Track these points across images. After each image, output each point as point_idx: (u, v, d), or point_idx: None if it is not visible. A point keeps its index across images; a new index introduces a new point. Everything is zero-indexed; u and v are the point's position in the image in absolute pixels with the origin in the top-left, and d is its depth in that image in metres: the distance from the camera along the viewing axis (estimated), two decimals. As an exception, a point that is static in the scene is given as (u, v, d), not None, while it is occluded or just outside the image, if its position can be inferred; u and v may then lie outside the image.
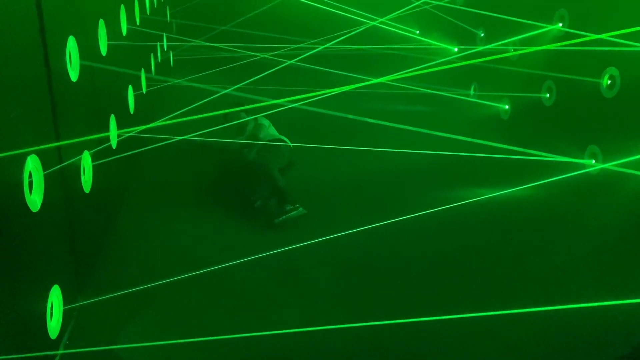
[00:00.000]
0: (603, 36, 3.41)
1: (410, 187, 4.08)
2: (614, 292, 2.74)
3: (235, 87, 3.55)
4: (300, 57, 4.03)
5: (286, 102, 3.14)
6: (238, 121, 4.38)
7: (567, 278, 3.02)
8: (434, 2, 5.16)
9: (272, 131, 4.33)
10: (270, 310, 2.74)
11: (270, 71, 3.84)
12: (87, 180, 2.86)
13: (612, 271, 3.07)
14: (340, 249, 3.11)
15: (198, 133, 3.58)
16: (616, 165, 3.33)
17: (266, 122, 4.35)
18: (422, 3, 5.64)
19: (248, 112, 4.43)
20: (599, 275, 3.05)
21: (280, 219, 3.53)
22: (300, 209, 3.57)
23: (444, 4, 5.20)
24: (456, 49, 5.88)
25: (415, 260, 3.20)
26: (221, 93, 3.63)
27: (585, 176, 3.59)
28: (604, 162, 3.80)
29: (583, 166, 3.91)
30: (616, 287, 2.88)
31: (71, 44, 2.66)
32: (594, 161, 3.93)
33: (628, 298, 2.35)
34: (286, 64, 4.04)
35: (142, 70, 4.61)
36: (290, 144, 4.21)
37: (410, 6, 5.28)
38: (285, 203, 3.61)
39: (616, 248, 3.28)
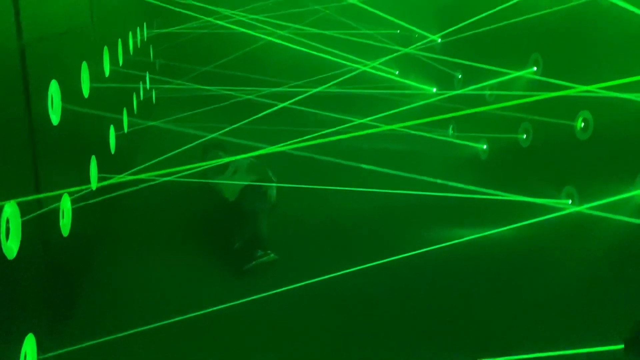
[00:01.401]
0: (574, 91, 3.54)
1: (389, 229, 4.10)
2: (588, 337, 2.75)
3: (219, 132, 3.57)
4: (295, 99, 4.09)
5: (270, 147, 3.17)
6: (219, 161, 4.33)
7: (542, 322, 3.03)
8: (413, 48, 5.30)
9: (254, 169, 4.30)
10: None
11: (257, 115, 3.88)
12: (65, 224, 2.83)
13: (587, 316, 3.09)
14: (316, 294, 3.09)
15: (178, 175, 3.58)
16: (592, 208, 3.40)
17: (245, 163, 4.32)
18: (401, 46, 5.79)
19: (227, 151, 4.38)
20: (573, 319, 3.06)
21: (249, 265, 3.52)
22: (272, 255, 3.57)
23: (422, 50, 5.34)
24: (434, 90, 6.01)
25: (390, 305, 3.19)
26: (207, 137, 3.65)
27: (562, 217, 3.65)
28: (581, 202, 3.87)
29: (560, 207, 3.98)
30: (591, 332, 2.89)
31: (53, 88, 2.67)
32: (570, 202, 4.00)
33: (600, 343, 2.37)
34: (279, 106, 4.09)
35: (125, 109, 4.61)
36: (274, 181, 4.19)
37: (393, 55, 5.40)
38: (257, 248, 3.60)
39: (592, 291, 3.31)
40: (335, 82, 4.21)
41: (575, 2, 3.82)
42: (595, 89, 3.35)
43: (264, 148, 3.31)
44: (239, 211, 3.92)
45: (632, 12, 3.09)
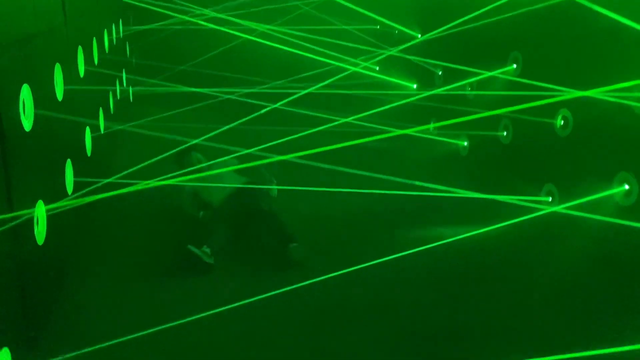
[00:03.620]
0: (554, 95, 3.56)
1: (367, 231, 4.08)
2: (568, 338, 2.78)
3: (202, 138, 3.52)
4: (284, 101, 4.04)
5: (252, 150, 3.13)
6: (199, 165, 4.22)
7: (523, 322, 3.04)
8: (395, 51, 5.28)
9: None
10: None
11: (243, 119, 3.82)
12: (40, 232, 2.75)
13: (568, 315, 3.11)
14: (300, 298, 3.07)
15: (158, 179, 3.51)
16: (571, 208, 3.42)
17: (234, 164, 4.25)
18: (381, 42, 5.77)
19: (205, 154, 4.26)
20: (555, 318, 3.08)
21: (298, 256, 3.52)
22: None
23: (402, 51, 5.33)
24: (415, 86, 6.01)
25: (370, 308, 3.16)
26: (189, 144, 3.59)
27: (541, 216, 3.67)
28: (560, 200, 3.90)
29: (539, 207, 4.00)
30: (571, 332, 2.92)
31: (25, 93, 2.58)
32: (550, 199, 4.03)
33: (581, 344, 2.38)
34: (265, 111, 4.04)
35: (101, 110, 4.52)
36: (269, 177, 4.15)
37: (377, 53, 5.37)
38: (289, 242, 3.61)
39: (572, 290, 3.33)
40: (322, 84, 4.16)
41: (554, 0, 3.83)
42: (574, 91, 3.38)
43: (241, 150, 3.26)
44: (229, 214, 3.87)
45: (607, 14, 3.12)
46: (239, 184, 4.05)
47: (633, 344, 2.37)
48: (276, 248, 3.65)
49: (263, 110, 3.82)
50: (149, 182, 2.73)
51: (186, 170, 3.88)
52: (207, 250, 3.51)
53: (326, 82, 4.15)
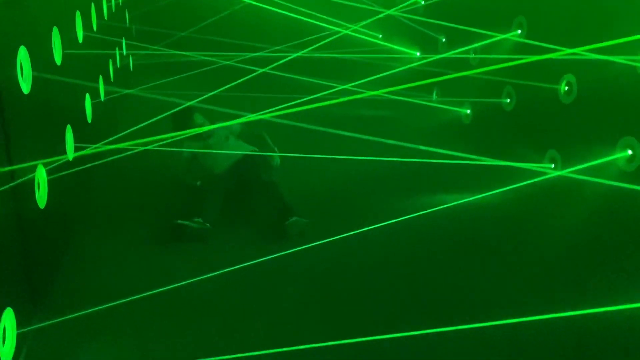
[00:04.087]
0: (558, 54, 3.49)
1: (372, 196, 4.08)
2: (573, 301, 2.79)
3: (199, 99, 3.47)
4: (275, 65, 4.00)
5: (253, 116, 3.09)
6: (205, 128, 4.17)
7: (527, 285, 3.06)
8: (396, 11, 5.18)
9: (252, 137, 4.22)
10: (235, 329, 2.68)
11: (238, 81, 3.78)
12: (41, 196, 2.75)
13: (571, 278, 3.13)
14: (307, 261, 3.09)
15: (158, 143, 3.49)
16: (574, 172, 3.40)
17: (237, 130, 4.23)
18: (384, 8, 5.67)
19: (205, 116, 4.17)
20: (558, 280, 3.11)
21: (294, 230, 3.45)
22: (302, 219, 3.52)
23: (405, 13, 5.24)
24: (418, 54, 5.93)
25: (377, 272, 3.19)
26: (185, 105, 3.55)
27: (544, 181, 3.66)
28: (563, 166, 3.88)
29: (543, 171, 3.99)
30: (574, 294, 2.94)
31: (22, 55, 2.55)
32: (553, 166, 4.01)
33: (584, 305, 2.40)
34: (258, 72, 3.99)
35: (100, 77, 4.48)
36: (273, 147, 4.11)
37: (376, 17, 5.29)
38: (289, 215, 3.54)
39: (575, 254, 3.34)
40: (316, 45, 4.10)
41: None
42: (579, 52, 3.31)
43: (245, 115, 3.23)
44: (230, 183, 3.86)
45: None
46: (243, 152, 4.01)
47: (633, 302, 2.39)
48: (275, 221, 3.59)
49: (254, 73, 3.76)
50: (156, 137, 2.69)
51: (189, 131, 3.85)
52: (199, 220, 3.48)
53: (318, 45, 4.08)
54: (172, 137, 3.65)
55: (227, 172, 3.95)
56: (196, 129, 3.93)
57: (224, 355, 2.28)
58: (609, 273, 3.12)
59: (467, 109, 5.29)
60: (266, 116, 3.08)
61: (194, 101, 3.52)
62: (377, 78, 4.08)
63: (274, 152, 4.13)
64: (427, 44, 5.90)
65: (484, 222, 3.67)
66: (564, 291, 2.98)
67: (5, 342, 2.20)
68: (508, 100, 4.67)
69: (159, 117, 3.22)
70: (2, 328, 2.18)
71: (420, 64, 4.72)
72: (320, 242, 2.88)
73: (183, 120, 4.02)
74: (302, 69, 4.69)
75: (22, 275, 2.50)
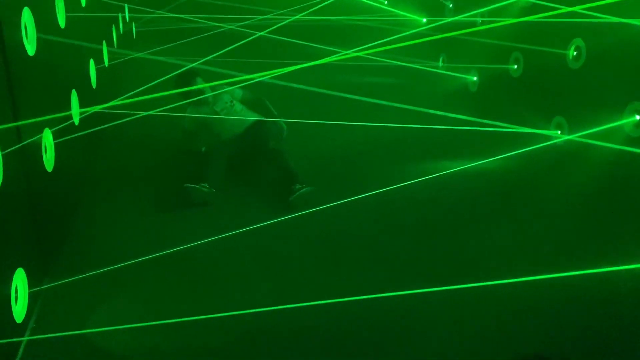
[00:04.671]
0: (565, 9, 3.42)
1: (379, 161, 4.09)
2: (581, 261, 2.82)
3: (202, 60, 3.44)
4: (270, 29, 3.93)
5: (256, 77, 3.06)
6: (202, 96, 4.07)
7: (535, 248, 3.08)
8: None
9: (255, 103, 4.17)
10: (244, 289, 2.72)
11: (238, 44, 3.73)
12: (49, 159, 2.77)
13: (578, 240, 3.15)
14: (313, 225, 3.10)
15: (164, 108, 3.47)
16: (581, 137, 3.39)
17: (239, 95, 4.17)
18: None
19: (205, 79, 4.06)
20: (565, 244, 3.12)
21: (292, 197, 3.43)
22: (308, 187, 3.49)
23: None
24: (425, 20, 5.85)
25: (385, 235, 3.21)
26: (188, 67, 3.52)
27: (551, 147, 3.65)
28: (570, 132, 3.86)
29: (549, 137, 3.98)
30: (582, 256, 2.96)
31: (26, 16, 2.53)
32: (559, 132, 3.99)
33: (592, 266, 2.42)
34: (255, 35, 3.93)
35: (104, 42, 4.45)
36: (276, 114, 4.07)
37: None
38: (293, 183, 3.53)
39: (580, 218, 3.36)
40: (320, 6, 4.03)
41: None
42: (588, 12, 3.26)
43: (247, 79, 3.20)
44: (236, 150, 3.85)
45: None
46: (252, 118, 3.99)
47: (636, 263, 2.41)
48: (280, 188, 3.59)
49: (254, 36, 3.70)
50: (158, 95, 2.68)
51: (192, 98, 3.81)
52: (205, 185, 3.49)
53: (322, 4, 4.00)
54: (176, 102, 3.63)
55: (235, 138, 3.93)
56: (196, 95, 3.91)
57: (233, 311, 2.32)
58: (614, 237, 3.14)
59: (474, 75, 5.24)
60: (265, 78, 3.05)
61: (197, 62, 3.48)
62: (382, 44, 4.03)
63: (275, 117, 4.10)
64: (434, 10, 5.81)
65: (489, 187, 3.68)
66: (570, 253, 3.00)
67: (18, 302, 2.24)
68: (515, 66, 4.62)
69: (162, 79, 3.19)
70: (15, 288, 2.21)
71: (427, 28, 4.65)
72: (327, 205, 2.89)
73: (185, 84, 3.93)
74: (306, 35, 4.63)
75: (33, 236, 2.53)
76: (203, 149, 4.11)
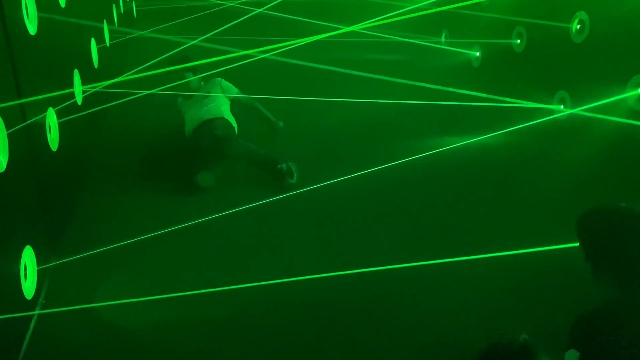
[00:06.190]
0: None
1: (382, 137, 4.08)
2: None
3: (202, 37, 3.43)
4: (269, 6, 3.91)
5: (256, 53, 3.06)
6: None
7: (538, 221, 3.10)
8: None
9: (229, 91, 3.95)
10: (249, 264, 2.75)
11: (238, 20, 3.72)
12: (53, 138, 2.79)
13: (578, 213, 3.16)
14: (315, 201, 3.13)
15: (164, 87, 3.46)
16: (584, 110, 3.38)
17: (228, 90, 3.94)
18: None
19: (195, 71, 3.86)
20: (568, 216, 3.12)
21: (292, 180, 3.41)
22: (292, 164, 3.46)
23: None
24: (428, -5, 5.79)
25: (389, 209, 3.23)
26: (188, 44, 3.51)
27: (554, 121, 3.64)
28: (573, 107, 3.85)
29: (552, 111, 3.97)
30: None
31: (27, -5, 2.53)
32: (562, 106, 3.98)
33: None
34: (255, 12, 3.91)
35: (105, 21, 4.43)
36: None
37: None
38: (276, 164, 3.47)
39: (584, 191, 3.36)
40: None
41: None
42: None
43: (252, 56, 3.20)
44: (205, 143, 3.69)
45: None
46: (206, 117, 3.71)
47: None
48: (265, 172, 3.51)
49: (253, 13, 3.67)
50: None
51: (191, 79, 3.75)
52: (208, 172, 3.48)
53: None
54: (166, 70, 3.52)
55: (194, 133, 3.75)
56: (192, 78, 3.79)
57: (238, 284, 2.36)
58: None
59: (477, 50, 5.20)
60: (267, 55, 3.04)
61: (197, 40, 3.46)
62: (383, 19, 4.01)
63: (270, 120, 4.04)
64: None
65: (493, 161, 3.68)
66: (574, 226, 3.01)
67: (27, 278, 2.28)
68: (518, 41, 4.59)
69: (163, 57, 3.19)
70: (24, 265, 2.25)
71: (429, 3, 4.61)
72: (330, 182, 2.91)
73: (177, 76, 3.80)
74: (307, 11, 4.61)
75: (40, 214, 2.56)
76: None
